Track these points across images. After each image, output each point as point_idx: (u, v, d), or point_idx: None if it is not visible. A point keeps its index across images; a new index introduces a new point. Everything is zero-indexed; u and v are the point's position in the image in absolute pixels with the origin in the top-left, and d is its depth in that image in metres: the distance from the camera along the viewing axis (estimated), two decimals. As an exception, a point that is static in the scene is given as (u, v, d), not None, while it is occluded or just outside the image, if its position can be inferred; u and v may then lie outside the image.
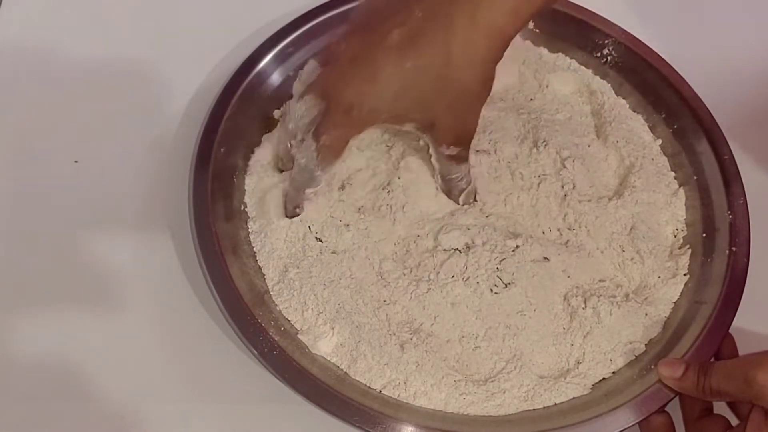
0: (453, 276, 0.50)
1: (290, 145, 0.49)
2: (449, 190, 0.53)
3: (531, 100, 0.60)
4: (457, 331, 0.49)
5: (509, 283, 0.50)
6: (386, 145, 0.55)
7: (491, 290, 0.50)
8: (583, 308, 0.50)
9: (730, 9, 0.68)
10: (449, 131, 0.47)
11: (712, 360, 0.49)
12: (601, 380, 0.49)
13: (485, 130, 0.56)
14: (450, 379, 0.48)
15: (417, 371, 0.48)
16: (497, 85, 0.48)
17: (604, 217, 0.54)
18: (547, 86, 0.61)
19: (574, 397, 0.48)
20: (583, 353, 0.50)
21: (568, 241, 0.53)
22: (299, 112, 0.47)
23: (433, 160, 0.51)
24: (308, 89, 0.47)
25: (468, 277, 0.50)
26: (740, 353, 0.50)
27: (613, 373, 0.50)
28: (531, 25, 0.63)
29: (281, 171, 0.54)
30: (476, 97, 0.46)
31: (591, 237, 0.53)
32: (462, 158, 0.50)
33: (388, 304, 0.50)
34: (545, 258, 0.51)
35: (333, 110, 0.45)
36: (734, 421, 0.46)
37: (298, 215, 0.51)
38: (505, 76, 0.60)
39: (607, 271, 0.53)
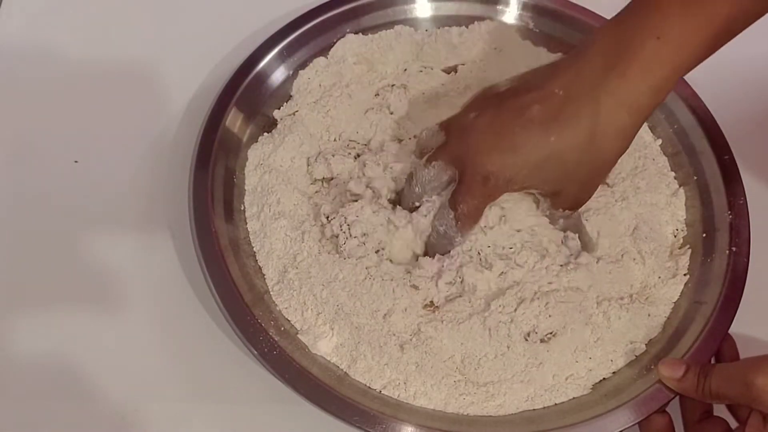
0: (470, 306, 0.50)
1: (415, 206, 0.51)
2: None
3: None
4: (462, 349, 0.49)
5: (544, 334, 0.49)
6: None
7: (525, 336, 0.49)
8: (596, 314, 0.50)
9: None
10: (571, 199, 0.50)
11: (712, 361, 0.49)
12: (601, 380, 0.49)
13: None
14: (450, 380, 0.48)
15: (417, 371, 0.48)
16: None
17: (612, 219, 0.54)
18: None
19: (574, 397, 0.48)
20: (590, 358, 0.50)
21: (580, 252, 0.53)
22: (428, 176, 0.49)
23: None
24: (437, 154, 0.49)
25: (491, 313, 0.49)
26: (740, 353, 0.50)
27: (613, 373, 0.50)
28: (531, 24, 0.63)
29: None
30: (607, 170, 0.49)
31: (602, 241, 0.53)
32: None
33: (387, 315, 0.49)
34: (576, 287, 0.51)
35: (470, 180, 0.47)
36: (734, 423, 0.46)
37: None
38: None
39: (618, 276, 0.53)
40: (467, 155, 0.47)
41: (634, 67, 0.44)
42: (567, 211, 0.51)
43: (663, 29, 0.44)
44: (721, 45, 0.46)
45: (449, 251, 0.50)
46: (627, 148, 0.47)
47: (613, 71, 0.45)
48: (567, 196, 0.49)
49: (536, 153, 0.46)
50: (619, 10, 0.47)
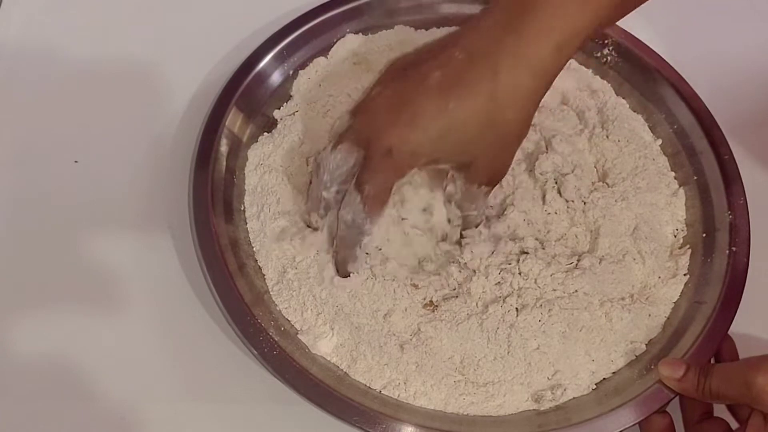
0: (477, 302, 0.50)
1: (323, 197, 0.48)
2: (464, 225, 0.51)
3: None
4: (461, 349, 0.49)
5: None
6: None
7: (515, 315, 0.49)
8: (599, 316, 0.50)
9: (731, 9, 0.68)
10: (485, 171, 0.46)
11: (712, 362, 0.49)
12: (601, 380, 0.49)
13: None
14: (450, 380, 0.48)
15: (417, 371, 0.48)
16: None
17: (613, 220, 0.54)
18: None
19: (574, 397, 0.48)
20: (593, 360, 0.50)
21: (582, 254, 0.52)
22: (334, 162, 0.46)
23: (447, 193, 0.49)
24: (341, 138, 0.46)
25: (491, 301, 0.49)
26: (740, 353, 0.50)
27: (613, 373, 0.50)
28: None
29: (310, 227, 0.51)
30: (516, 137, 0.46)
31: (602, 241, 0.53)
32: (486, 194, 0.49)
33: (388, 315, 0.49)
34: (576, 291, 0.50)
35: (372, 156, 0.44)
36: (734, 424, 0.46)
37: (350, 274, 0.49)
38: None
39: (619, 276, 0.52)
40: (371, 133, 0.44)
41: (534, 24, 0.42)
42: (484, 186, 0.47)
43: None
44: (631, 4, 0.44)
45: (360, 242, 0.48)
46: (533, 112, 0.44)
47: (513, 30, 0.42)
48: (479, 169, 0.46)
49: (437, 122, 0.43)
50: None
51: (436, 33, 0.61)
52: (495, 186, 0.48)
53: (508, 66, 0.42)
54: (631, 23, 0.60)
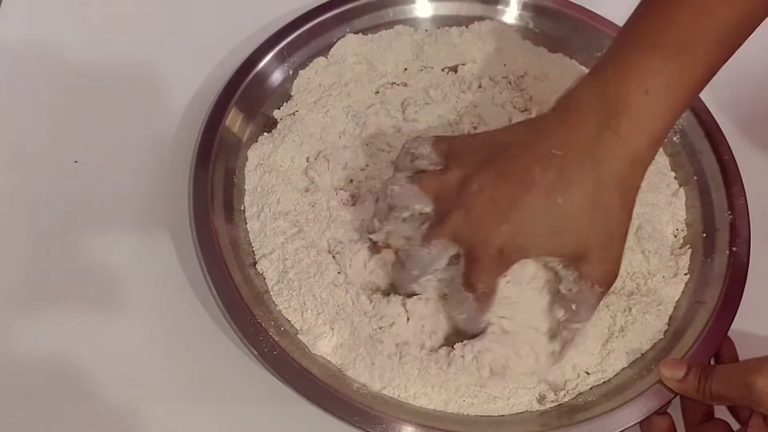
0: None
1: (412, 287, 0.48)
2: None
3: (531, 98, 0.60)
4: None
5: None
6: None
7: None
8: (601, 316, 0.50)
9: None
10: (599, 262, 0.46)
11: (713, 363, 0.49)
12: (601, 380, 0.49)
13: None
14: (451, 384, 0.47)
15: (418, 376, 0.47)
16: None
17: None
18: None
19: (575, 397, 0.48)
20: (594, 360, 0.50)
21: None
22: (428, 257, 0.46)
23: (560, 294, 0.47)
24: (434, 233, 0.45)
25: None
26: (740, 353, 0.50)
27: (614, 373, 0.50)
28: (531, 24, 0.63)
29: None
30: (623, 223, 0.46)
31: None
32: (599, 297, 0.47)
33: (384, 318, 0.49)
34: None
35: (484, 258, 0.44)
36: (735, 425, 0.46)
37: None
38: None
39: (624, 276, 0.53)
40: (475, 233, 0.44)
41: (625, 124, 0.44)
42: (597, 287, 0.46)
43: (648, 83, 0.44)
44: (708, 81, 0.46)
45: (482, 329, 0.47)
46: (634, 197, 0.46)
47: (607, 129, 0.44)
48: (593, 261, 0.46)
49: (548, 218, 0.44)
50: (617, 10, 0.48)
51: (437, 33, 0.61)
52: (609, 288, 0.47)
53: (608, 161, 0.44)
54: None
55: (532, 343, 0.47)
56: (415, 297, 0.48)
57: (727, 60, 0.46)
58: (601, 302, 0.50)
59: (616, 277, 0.47)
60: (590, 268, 0.45)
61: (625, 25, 0.47)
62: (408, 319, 0.48)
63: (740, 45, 0.45)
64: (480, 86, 0.59)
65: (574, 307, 0.46)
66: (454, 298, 0.47)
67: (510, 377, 0.47)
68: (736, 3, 0.44)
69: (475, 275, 0.45)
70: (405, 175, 0.48)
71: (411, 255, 0.47)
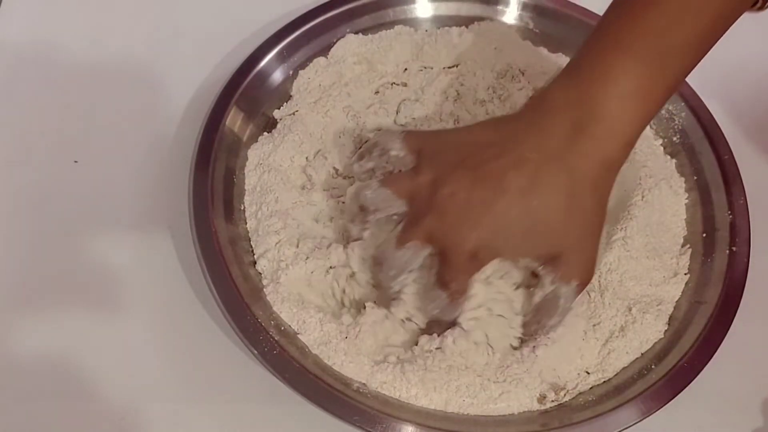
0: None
1: (391, 286, 0.48)
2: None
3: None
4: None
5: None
6: None
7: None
8: (606, 320, 0.50)
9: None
10: (576, 263, 0.46)
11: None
12: (601, 380, 0.49)
13: None
14: (452, 384, 0.47)
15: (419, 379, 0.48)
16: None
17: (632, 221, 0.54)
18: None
19: (575, 397, 0.48)
20: (594, 359, 0.50)
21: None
22: (403, 259, 0.46)
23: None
24: (408, 235, 0.46)
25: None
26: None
27: (614, 373, 0.50)
28: (531, 25, 0.63)
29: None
30: (597, 224, 0.47)
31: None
32: (577, 292, 0.47)
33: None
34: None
35: (458, 259, 0.45)
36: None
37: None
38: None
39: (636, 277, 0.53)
40: (449, 235, 0.45)
41: (599, 128, 0.44)
42: (574, 283, 0.46)
43: (623, 87, 0.44)
44: (681, 84, 0.47)
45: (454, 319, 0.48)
46: (607, 197, 0.46)
47: (582, 133, 0.44)
48: (570, 261, 0.46)
49: (522, 222, 0.45)
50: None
51: (437, 33, 0.61)
52: (585, 286, 0.47)
53: (582, 164, 0.45)
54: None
55: (493, 337, 0.48)
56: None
57: (699, 62, 0.46)
58: (602, 302, 0.50)
59: (591, 276, 0.47)
60: (566, 268, 0.46)
61: (600, 24, 0.46)
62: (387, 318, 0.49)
63: (712, 47, 0.45)
64: (478, 86, 0.59)
65: (547, 306, 0.47)
66: (428, 293, 0.47)
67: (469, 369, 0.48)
68: (708, 8, 0.43)
69: (449, 275, 0.45)
70: (369, 168, 0.49)
71: (387, 256, 0.47)
